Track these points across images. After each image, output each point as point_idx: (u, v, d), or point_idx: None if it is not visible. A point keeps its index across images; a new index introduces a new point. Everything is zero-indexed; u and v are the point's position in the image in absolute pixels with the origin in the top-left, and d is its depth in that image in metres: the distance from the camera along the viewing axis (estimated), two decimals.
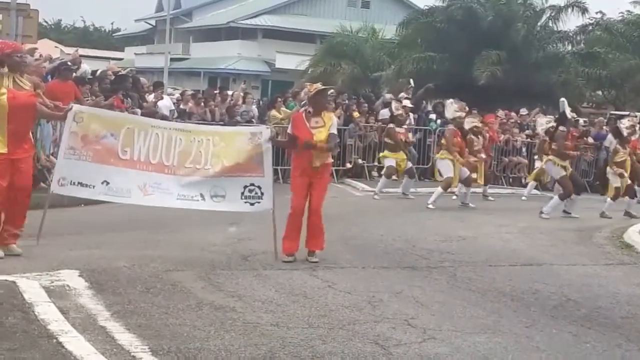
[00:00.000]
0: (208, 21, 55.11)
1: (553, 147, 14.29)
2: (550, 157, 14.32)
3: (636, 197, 16.40)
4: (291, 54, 43.75)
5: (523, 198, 16.20)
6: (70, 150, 8.06)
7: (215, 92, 20.91)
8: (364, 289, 7.39)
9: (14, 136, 7.70)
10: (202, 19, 56.49)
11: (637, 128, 15.85)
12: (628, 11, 33.19)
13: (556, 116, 16.17)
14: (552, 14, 32.20)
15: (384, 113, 18.01)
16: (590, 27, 33.20)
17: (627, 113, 23.87)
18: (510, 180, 20.20)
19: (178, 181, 8.26)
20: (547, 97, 27.40)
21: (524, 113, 23.12)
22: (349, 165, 18.73)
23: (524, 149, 20.70)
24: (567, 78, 28.86)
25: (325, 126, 8.46)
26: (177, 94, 20.80)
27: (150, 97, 17.12)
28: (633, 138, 15.21)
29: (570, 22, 32.64)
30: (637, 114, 23.97)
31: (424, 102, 21.91)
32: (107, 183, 8.14)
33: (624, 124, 15.33)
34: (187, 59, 54.64)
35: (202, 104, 18.03)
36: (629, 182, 14.85)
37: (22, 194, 7.84)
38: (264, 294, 6.95)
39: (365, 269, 8.36)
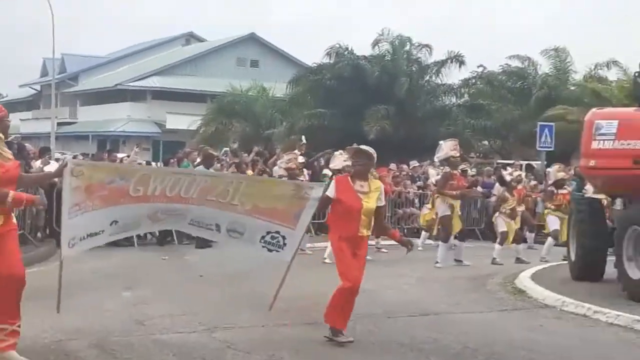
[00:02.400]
0: (95, 84, 54.45)
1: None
2: (438, 195, 14.64)
3: (526, 242, 16.91)
4: (182, 114, 43.65)
5: (419, 248, 16.43)
6: (75, 208, 6.89)
7: (105, 154, 20.52)
8: (263, 347, 7.27)
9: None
10: (88, 82, 55.77)
11: (522, 177, 16.41)
12: (507, 64, 34.56)
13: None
14: (436, 69, 33.30)
15: (277, 170, 18.05)
16: (473, 80, 34.49)
17: (512, 162, 24.75)
18: (405, 231, 20.48)
19: (196, 209, 7.29)
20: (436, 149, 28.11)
21: (415, 165, 23.59)
22: None
23: (416, 200, 21.07)
24: (454, 130, 29.69)
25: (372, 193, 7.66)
26: (66, 158, 20.29)
27: (37, 163, 16.65)
28: (519, 187, 15.72)
29: (454, 75, 33.87)
30: (521, 162, 24.93)
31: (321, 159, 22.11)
32: (116, 222, 7.12)
33: (508, 171, 15.86)
34: (74, 122, 53.71)
35: None
36: (518, 227, 15.30)
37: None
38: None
39: (265, 327, 8.24)
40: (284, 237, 7.51)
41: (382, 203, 7.74)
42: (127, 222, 7.18)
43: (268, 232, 7.48)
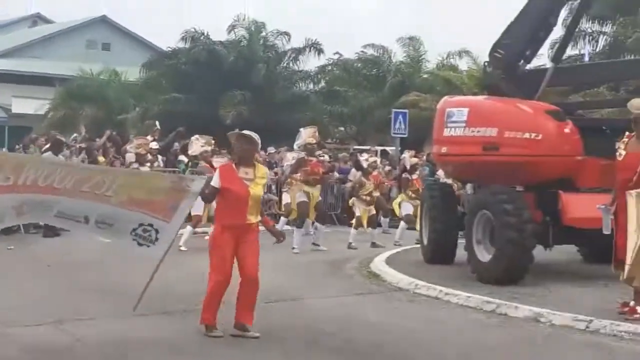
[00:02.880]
0: None
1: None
2: (294, 182, 14.62)
3: (380, 227, 17.21)
4: (29, 97, 41.79)
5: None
6: None
7: None
8: (114, 341, 7.01)
9: None
10: None
11: (378, 162, 16.66)
12: (363, 51, 35.06)
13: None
14: (293, 56, 33.40)
15: (130, 157, 17.61)
16: (330, 67, 34.83)
17: (368, 148, 25.14)
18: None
19: (64, 202, 6.92)
20: (295, 135, 28.21)
21: (272, 151, 23.56)
22: None
23: (273, 187, 21.04)
24: (311, 116, 29.85)
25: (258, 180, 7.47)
26: None
27: None
28: (375, 172, 15.96)
29: (310, 62, 34.05)
30: (377, 148, 25.38)
31: (176, 144, 21.67)
32: None
33: (364, 157, 16.06)
34: None
35: None
36: (373, 212, 15.54)
37: None
38: (5, 354, 6.38)
39: (117, 319, 7.95)
40: (157, 231, 7.11)
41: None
42: None
43: (140, 225, 7.09)
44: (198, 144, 15.32)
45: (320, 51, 33.24)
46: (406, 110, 24.90)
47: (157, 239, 7.10)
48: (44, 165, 6.96)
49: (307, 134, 15.11)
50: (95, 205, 6.98)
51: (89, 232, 7.32)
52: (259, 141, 7.54)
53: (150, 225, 7.08)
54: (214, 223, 7.72)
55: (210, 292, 7.27)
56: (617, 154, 8.21)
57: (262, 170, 7.60)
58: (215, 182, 7.35)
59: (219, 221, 7.49)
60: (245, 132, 7.68)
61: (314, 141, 14.98)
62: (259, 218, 7.49)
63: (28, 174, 6.68)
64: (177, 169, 19.66)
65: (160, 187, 7.24)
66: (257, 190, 7.39)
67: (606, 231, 8.15)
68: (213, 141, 15.72)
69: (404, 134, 23.58)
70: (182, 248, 13.58)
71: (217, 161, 15.23)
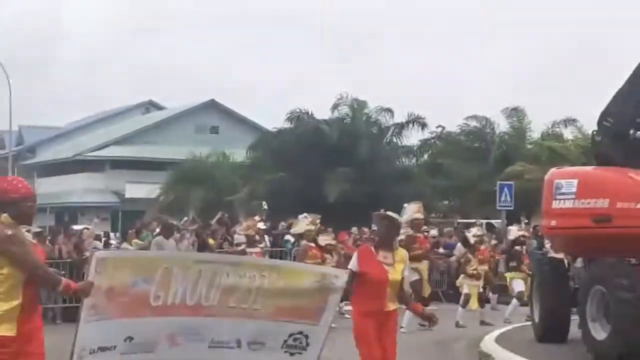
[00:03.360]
0: (53, 155, 53.97)
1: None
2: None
3: (489, 303, 16.78)
4: (141, 182, 43.27)
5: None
6: (92, 311, 6.05)
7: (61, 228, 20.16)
8: None
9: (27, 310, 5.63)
10: (46, 154, 55.24)
11: (484, 237, 16.35)
12: (465, 124, 34.91)
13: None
14: (396, 131, 33.57)
15: (239, 239, 17.84)
16: (432, 140, 34.77)
17: (473, 221, 24.76)
18: None
19: (215, 325, 6.62)
20: (399, 210, 28.12)
21: (376, 228, 23.46)
22: None
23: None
24: (415, 190, 29.75)
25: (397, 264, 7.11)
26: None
27: None
28: (482, 247, 15.65)
29: (413, 136, 34.14)
30: (482, 221, 24.96)
31: (282, 223, 21.89)
32: (131, 339, 6.31)
33: (472, 232, 15.78)
34: None
35: (48, 242, 17.27)
36: (481, 290, 15.18)
37: None
38: None
39: None
40: (306, 337, 6.82)
41: (406, 274, 7.24)
42: (143, 341, 6.37)
43: (290, 335, 6.79)
44: (304, 223, 15.39)
45: (423, 125, 33.32)
46: (511, 182, 24.49)
47: (308, 344, 6.83)
48: (189, 265, 6.48)
49: (412, 210, 14.99)
50: (245, 324, 6.65)
51: (241, 357, 6.79)
52: (401, 224, 7.33)
53: (300, 332, 6.81)
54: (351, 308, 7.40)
55: None
56: None
57: (401, 254, 7.19)
58: (353, 265, 7.05)
59: (356, 308, 7.13)
60: (389, 213, 7.37)
61: (421, 216, 14.85)
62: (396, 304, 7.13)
63: (177, 285, 6.32)
64: (283, 249, 19.83)
65: (307, 288, 6.81)
66: (396, 275, 7.01)
67: None
68: (318, 220, 15.78)
69: (510, 207, 23.15)
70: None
71: (322, 239, 15.27)
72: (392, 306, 6.99)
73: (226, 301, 6.54)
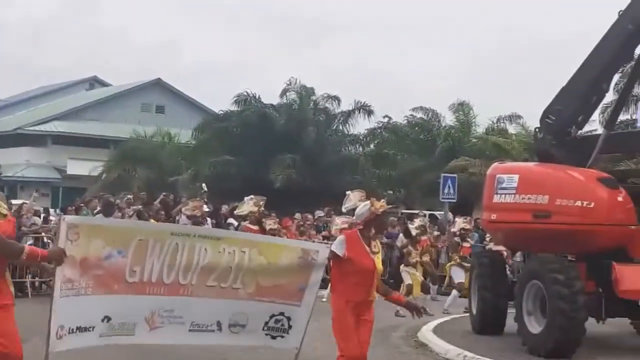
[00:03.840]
0: None
1: None
2: None
3: (429, 294, 16.93)
4: (83, 159, 42.62)
5: (323, 300, 16.14)
6: (68, 284, 5.76)
7: None
8: None
9: None
10: None
11: (427, 227, 16.46)
12: (412, 115, 35.09)
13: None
14: (342, 119, 33.61)
15: (184, 220, 17.68)
16: (379, 130, 34.89)
17: (417, 212, 24.97)
18: None
19: (194, 305, 6.35)
20: (342, 198, 28.18)
21: (320, 215, 23.51)
22: None
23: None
24: (360, 179, 29.85)
25: (379, 254, 6.88)
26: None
27: None
28: (423, 238, 15.76)
29: (360, 125, 34.21)
30: (425, 212, 25.19)
31: (225, 206, 21.74)
32: (109, 319, 6.04)
33: (415, 223, 15.89)
34: None
35: None
36: (422, 279, 15.30)
37: None
38: None
39: None
40: (288, 319, 6.64)
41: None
42: (121, 321, 6.11)
43: (272, 316, 6.61)
44: (248, 205, 15.23)
45: (369, 112, 33.44)
46: (455, 175, 24.74)
47: (290, 326, 6.65)
48: (165, 238, 6.16)
49: (355, 198, 14.99)
50: (225, 304, 6.43)
51: (222, 340, 6.66)
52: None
53: (282, 313, 6.62)
54: (330, 294, 7.02)
55: None
56: None
57: (379, 244, 6.97)
58: (340, 249, 6.63)
59: (341, 296, 6.70)
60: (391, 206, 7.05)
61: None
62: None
63: (152, 258, 6.06)
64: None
65: (287, 265, 6.58)
66: (379, 265, 6.81)
67: None
68: (262, 202, 15.67)
69: (453, 199, 23.40)
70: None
71: (269, 224, 15.18)
72: (374, 296, 6.79)
73: (205, 279, 6.30)
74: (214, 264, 6.29)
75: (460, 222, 16.90)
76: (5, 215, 5.64)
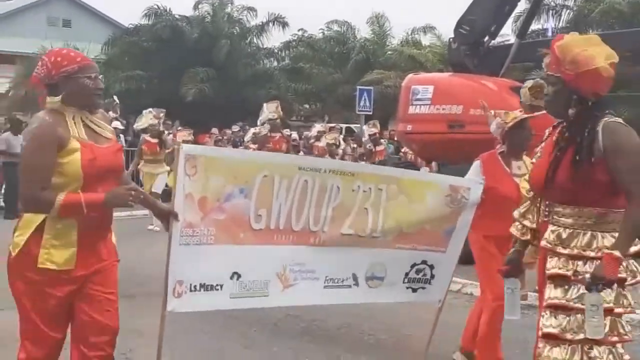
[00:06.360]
0: None
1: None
2: None
3: None
4: None
5: None
6: (188, 229, 4.68)
7: None
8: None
9: (89, 232, 4.00)
10: None
11: (340, 140, 16.48)
12: (328, 27, 34.87)
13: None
14: (257, 31, 33.16)
15: None
16: (294, 44, 34.61)
17: (334, 125, 25.04)
18: None
19: (327, 255, 5.23)
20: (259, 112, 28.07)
21: (236, 129, 23.38)
22: None
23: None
24: (276, 93, 29.70)
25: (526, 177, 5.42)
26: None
27: None
28: (320, 144, 15.97)
29: (274, 38, 33.83)
30: (342, 125, 25.29)
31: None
32: (239, 276, 4.99)
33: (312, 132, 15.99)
34: None
35: None
36: None
37: (101, 345, 4.11)
38: None
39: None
40: (431, 267, 5.56)
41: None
42: (253, 278, 5.06)
43: (413, 265, 5.54)
44: (147, 118, 14.83)
45: (284, 25, 33.05)
46: (371, 88, 24.78)
47: (432, 275, 5.58)
48: (292, 173, 5.09)
49: (269, 109, 14.86)
50: (363, 255, 5.34)
51: (360, 297, 5.54)
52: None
53: (424, 262, 5.56)
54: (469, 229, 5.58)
55: (488, 321, 5.67)
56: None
57: (526, 164, 5.68)
58: (476, 175, 5.64)
59: (479, 230, 5.64)
60: (524, 116, 5.84)
61: (276, 116, 14.62)
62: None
63: (280, 203, 5.04)
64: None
65: (434, 207, 5.43)
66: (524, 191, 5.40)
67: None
68: (162, 114, 15.32)
69: (369, 112, 23.48)
70: (155, 228, 13.17)
71: (181, 136, 14.96)
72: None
73: (338, 226, 5.24)
74: (347, 206, 5.22)
75: (367, 129, 17.08)
76: (108, 139, 4.06)
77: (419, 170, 12.89)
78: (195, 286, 4.77)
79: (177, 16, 32.48)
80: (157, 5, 32.25)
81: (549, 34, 26.55)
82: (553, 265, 3.96)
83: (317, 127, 17.79)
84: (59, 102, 3.89)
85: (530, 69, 21.20)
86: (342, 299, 5.41)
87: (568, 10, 28.74)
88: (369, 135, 16.56)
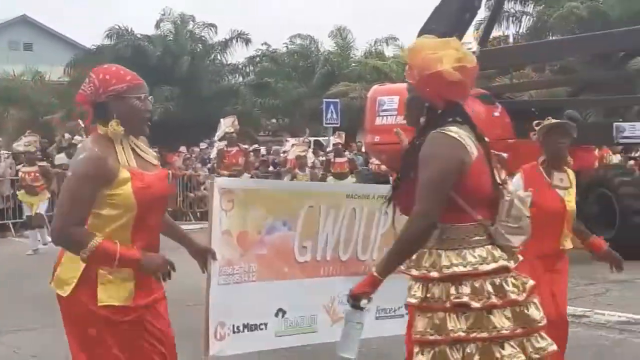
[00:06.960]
0: None
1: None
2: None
3: None
4: None
5: None
6: (227, 268, 4.46)
7: None
8: (52, 351, 6.83)
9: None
10: None
11: (309, 153, 16.57)
12: (291, 41, 35.01)
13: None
14: (220, 48, 33.23)
15: (61, 158, 17.26)
16: (258, 59, 34.71)
17: (302, 138, 25.12)
18: (198, 214, 20.22)
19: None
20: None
21: (204, 147, 23.37)
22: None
23: (207, 182, 20.81)
24: (242, 109, 29.73)
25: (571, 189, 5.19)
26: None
27: None
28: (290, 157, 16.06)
29: (238, 54, 33.93)
30: (310, 139, 25.37)
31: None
32: (284, 313, 4.76)
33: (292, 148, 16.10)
34: None
35: None
36: None
37: None
38: None
39: (55, 327, 7.74)
40: None
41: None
42: (299, 314, 4.80)
43: None
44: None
45: (247, 41, 33.16)
46: (337, 100, 24.94)
47: None
48: (339, 201, 4.82)
49: (225, 124, 14.95)
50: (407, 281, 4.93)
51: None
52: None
53: None
54: None
55: None
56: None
57: (572, 174, 5.27)
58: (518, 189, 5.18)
59: (531, 251, 4.66)
60: (557, 121, 5.24)
61: (232, 130, 14.58)
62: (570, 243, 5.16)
63: (326, 233, 4.81)
64: None
65: None
66: (572, 203, 5.15)
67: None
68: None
69: (337, 124, 23.62)
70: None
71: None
72: (567, 244, 5.13)
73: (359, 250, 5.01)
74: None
75: (332, 139, 17.23)
76: (155, 166, 3.67)
77: (389, 182, 13.01)
78: (238, 327, 4.56)
79: (139, 35, 32.45)
80: (119, 26, 32.25)
81: (510, 40, 26.92)
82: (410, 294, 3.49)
83: (292, 141, 17.91)
84: (115, 128, 3.43)
85: (493, 76, 21.48)
86: (396, 330, 4.75)
87: (528, 17, 29.15)
88: (333, 145, 16.67)
